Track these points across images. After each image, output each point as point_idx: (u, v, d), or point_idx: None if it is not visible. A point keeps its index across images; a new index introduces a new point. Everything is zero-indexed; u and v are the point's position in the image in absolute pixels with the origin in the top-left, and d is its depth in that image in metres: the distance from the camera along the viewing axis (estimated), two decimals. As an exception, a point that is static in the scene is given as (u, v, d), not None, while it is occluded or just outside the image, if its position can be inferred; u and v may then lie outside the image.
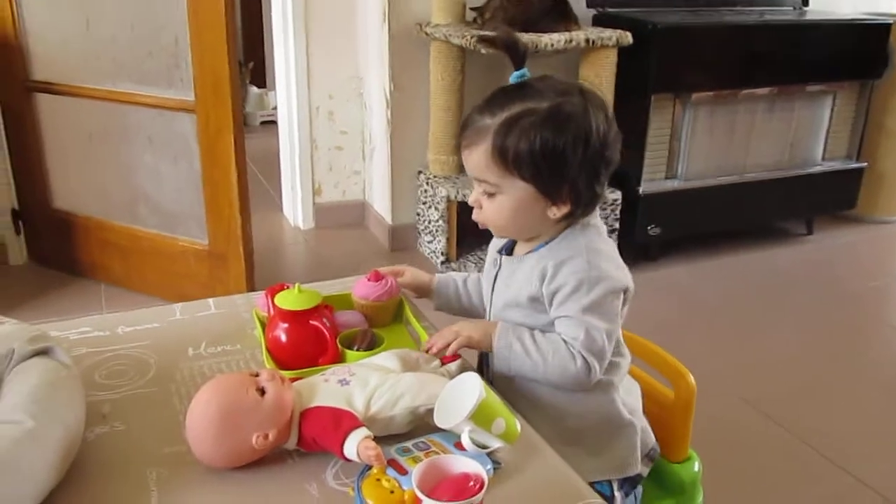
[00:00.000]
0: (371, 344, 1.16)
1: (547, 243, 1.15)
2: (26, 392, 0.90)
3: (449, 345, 1.12)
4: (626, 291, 1.13)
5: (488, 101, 1.11)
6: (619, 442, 1.20)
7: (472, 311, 1.31)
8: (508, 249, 1.23)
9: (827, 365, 2.59)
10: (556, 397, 1.16)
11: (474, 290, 1.33)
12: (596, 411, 1.18)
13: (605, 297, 1.10)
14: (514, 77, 1.13)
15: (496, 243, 1.27)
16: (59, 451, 0.88)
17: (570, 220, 1.14)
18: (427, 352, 1.11)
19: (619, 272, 1.13)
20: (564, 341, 1.10)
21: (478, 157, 1.09)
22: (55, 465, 0.87)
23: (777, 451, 2.14)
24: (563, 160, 1.06)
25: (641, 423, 1.23)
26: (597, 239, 1.14)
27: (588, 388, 1.12)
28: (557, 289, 1.10)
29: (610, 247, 1.15)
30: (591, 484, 1.14)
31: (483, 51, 2.71)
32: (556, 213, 1.11)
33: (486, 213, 1.14)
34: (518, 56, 1.15)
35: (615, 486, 1.19)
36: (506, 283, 1.19)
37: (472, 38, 2.75)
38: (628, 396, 1.23)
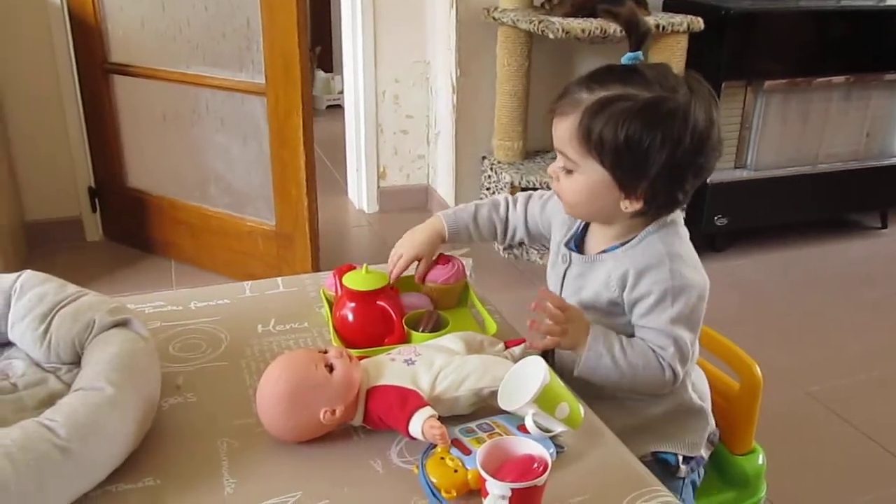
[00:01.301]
0: (436, 326, 1.17)
1: (623, 244, 1.12)
2: (107, 361, 0.94)
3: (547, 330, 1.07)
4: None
5: (590, 76, 1.07)
6: (688, 426, 1.19)
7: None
8: (577, 244, 1.20)
9: (894, 362, 2.52)
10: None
11: (486, 229, 1.33)
12: (671, 400, 1.17)
13: (689, 306, 1.08)
14: (626, 58, 1.09)
15: (559, 230, 1.24)
16: (137, 419, 0.92)
17: (645, 218, 1.11)
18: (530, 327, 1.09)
19: (700, 276, 1.10)
20: (653, 350, 1.08)
21: (563, 130, 1.06)
22: (133, 431, 0.91)
23: (843, 448, 2.09)
24: (646, 157, 1.02)
25: (708, 407, 1.22)
26: (676, 241, 1.11)
27: (667, 392, 1.12)
28: (640, 298, 1.08)
29: (688, 246, 1.12)
30: (655, 453, 1.15)
31: (552, 36, 2.69)
32: (628, 206, 1.07)
33: (562, 187, 1.11)
34: (637, 37, 1.10)
35: (680, 459, 1.18)
36: (578, 282, 1.17)
37: (539, 23, 2.73)
38: (698, 382, 1.22)
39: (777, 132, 3.22)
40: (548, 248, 1.33)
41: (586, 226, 1.20)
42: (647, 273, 1.08)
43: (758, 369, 1.26)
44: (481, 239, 1.35)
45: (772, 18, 3.08)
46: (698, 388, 1.21)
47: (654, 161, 1.02)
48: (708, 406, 1.22)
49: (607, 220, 1.13)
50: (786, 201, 3.32)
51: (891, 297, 2.96)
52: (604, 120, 1.02)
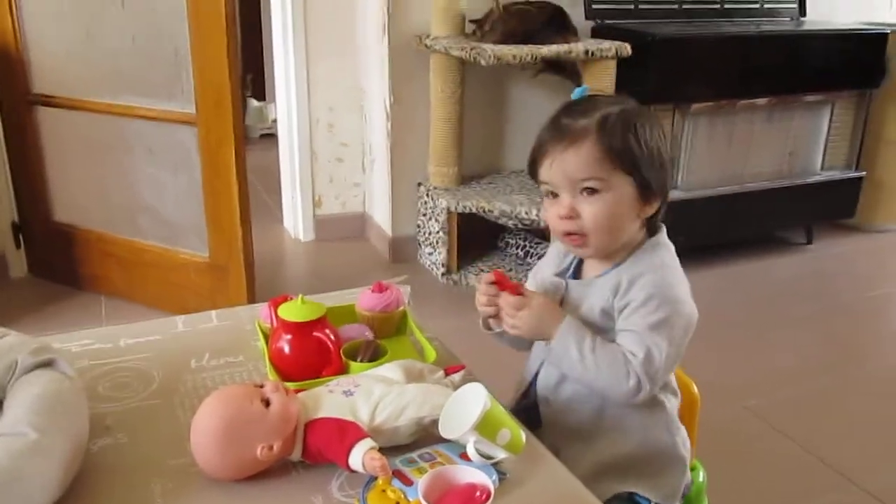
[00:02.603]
0: (375, 355, 1.15)
1: (618, 265, 1.14)
2: (29, 404, 0.90)
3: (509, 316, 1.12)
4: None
5: (571, 107, 1.13)
6: (667, 471, 1.19)
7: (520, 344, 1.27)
8: (574, 274, 1.21)
9: (827, 375, 2.58)
10: (617, 426, 1.15)
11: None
12: (652, 440, 1.17)
13: (673, 318, 1.09)
14: (578, 92, 1.17)
15: (548, 266, 1.24)
16: (63, 464, 0.88)
17: (642, 235, 1.16)
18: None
19: (690, 301, 1.12)
20: (623, 355, 1.08)
21: (581, 157, 1.09)
22: (59, 477, 0.87)
23: (780, 461, 2.13)
24: (660, 153, 1.12)
25: (689, 460, 1.23)
26: (669, 258, 1.15)
27: (630, 404, 1.11)
28: (628, 302, 1.10)
29: (680, 268, 1.15)
30: (633, 494, 1.16)
31: (483, 62, 2.71)
32: (648, 211, 1.13)
33: (587, 217, 1.10)
34: (577, 75, 1.21)
35: None
36: (574, 305, 1.16)
37: (471, 49, 2.76)
38: (685, 434, 1.23)
39: (704, 153, 3.31)
40: None
41: (580, 263, 1.21)
42: (640, 278, 1.10)
43: (695, 387, 1.28)
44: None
45: (696, 43, 3.17)
46: (685, 439, 1.22)
47: (662, 154, 1.12)
48: (688, 459, 1.22)
49: (625, 239, 1.14)
50: (715, 220, 3.40)
51: (819, 312, 3.05)
52: (620, 130, 1.09)
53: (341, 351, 1.14)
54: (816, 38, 3.45)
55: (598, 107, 1.11)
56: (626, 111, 1.11)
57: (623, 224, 1.12)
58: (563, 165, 1.10)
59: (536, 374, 1.23)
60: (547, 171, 1.12)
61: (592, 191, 1.09)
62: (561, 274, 1.22)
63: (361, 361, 1.13)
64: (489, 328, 1.21)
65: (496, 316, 1.17)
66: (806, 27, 3.60)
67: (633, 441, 1.16)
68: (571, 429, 1.16)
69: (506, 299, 1.12)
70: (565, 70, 1.18)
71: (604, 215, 1.10)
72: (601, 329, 1.12)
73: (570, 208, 1.11)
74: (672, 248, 1.17)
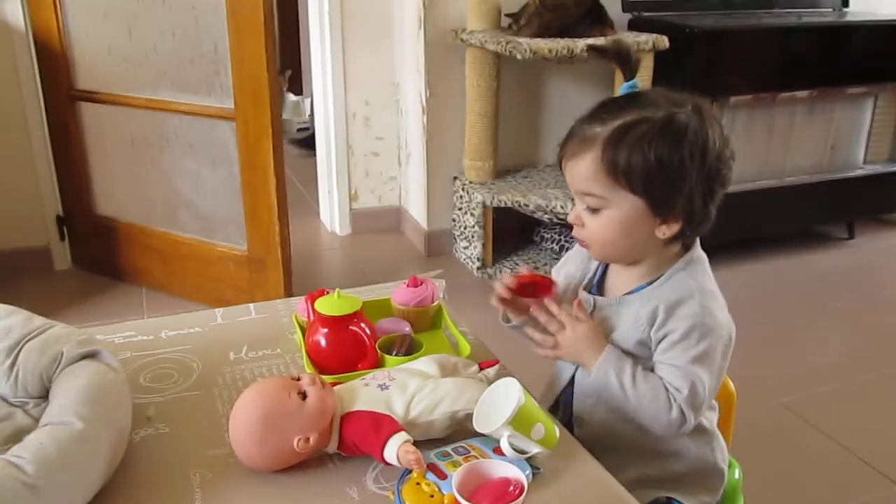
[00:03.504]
0: (410, 349, 1.16)
1: (650, 283, 1.09)
2: (75, 394, 0.93)
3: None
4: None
5: (597, 110, 1.05)
6: (705, 483, 1.19)
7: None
8: (598, 287, 1.17)
9: (867, 371, 2.55)
10: (658, 443, 1.13)
11: None
12: (697, 460, 1.16)
13: (714, 347, 1.05)
14: (624, 88, 1.07)
15: (575, 262, 1.20)
16: (107, 452, 0.90)
17: (675, 248, 1.10)
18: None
19: (727, 318, 1.08)
20: (665, 388, 1.04)
21: (584, 168, 1.03)
22: (103, 465, 0.89)
23: (818, 458, 2.11)
24: (680, 173, 1.00)
25: (727, 469, 1.22)
26: (706, 279, 1.09)
27: (672, 435, 1.09)
28: (667, 333, 1.05)
29: (716, 285, 1.10)
30: (671, 499, 1.15)
31: (519, 56, 2.71)
32: (665, 232, 1.04)
33: (590, 230, 1.06)
34: (629, 67, 1.09)
35: None
36: (604, 326, 1.12)
37: (507, 44, 2.75)
38: (724, 444, 1.22)
39: (744, 147, 3.26)
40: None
41: (604, 270, 1.18)
42: (678, 308, 1.05)
43: (731, 384, 1.27)
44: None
45: (735, 36, 3.13)
46: (724, 450, 1.21)
47: (688, 175, 1.01)
48: (726, 467, 1.21)
49: (640, 254, 1.09)
50: (754, 214, 3.35)
51: (860, 307, 3.00)
52: (629, 146, 0.99)
53: (377, 345, 1.15)
54: (859, 29, 3.38)
55: (625, 112, 1.02)
56: (649, 120, 1.00)
57: (633, 242, 1.06)
58: (570, 174, 1.06)
59: (567, 387, 1.19)
60: (565, 171, 1.09)
61: (593, 209, 1.05)
62: (587, 284, 1.18)
63: (397, 355, 1.14)
64: (508, 320, 1.20)
65: (514, 309, 1.17)
66: (848, 18, 3.53)
67: (674, 459, 1.15)
68: (610, 447, 1.13)
69: (558, 315, 1.08)
70: (616, 57, 1.07)
71: (605, 233, 1.06)
72: (636, 358, 1.09)
73: (575, 216, 1.08)
74: (706, 260, 1.12)
